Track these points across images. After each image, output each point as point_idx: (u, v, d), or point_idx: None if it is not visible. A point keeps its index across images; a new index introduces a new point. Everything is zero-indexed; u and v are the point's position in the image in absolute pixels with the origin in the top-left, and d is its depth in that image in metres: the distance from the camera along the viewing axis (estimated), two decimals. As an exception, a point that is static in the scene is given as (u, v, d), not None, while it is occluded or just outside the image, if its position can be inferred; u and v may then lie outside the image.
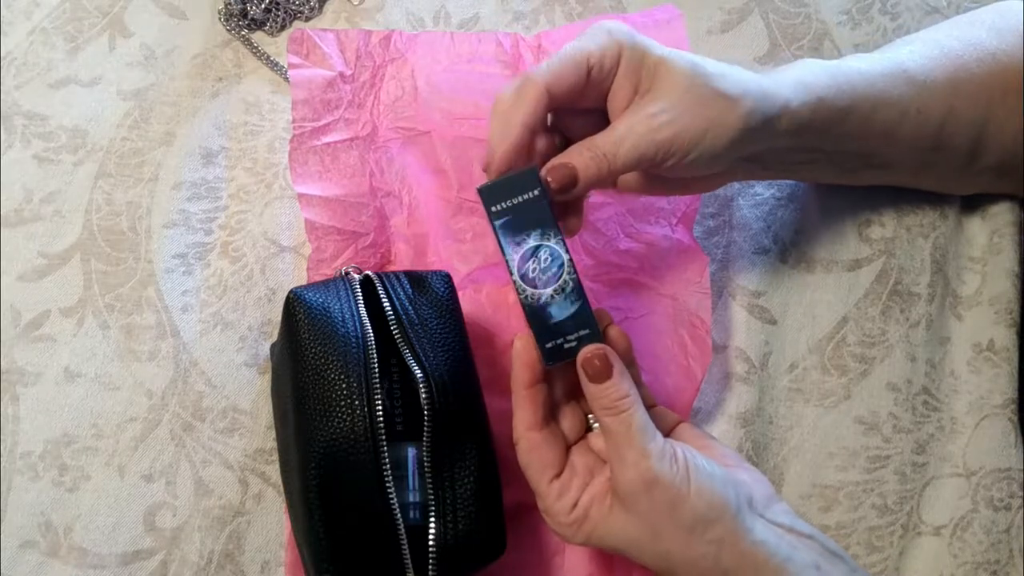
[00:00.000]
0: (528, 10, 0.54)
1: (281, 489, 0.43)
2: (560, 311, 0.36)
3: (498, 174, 0.36)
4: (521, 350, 0.37)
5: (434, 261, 0.48)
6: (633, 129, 0.36)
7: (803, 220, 0.49)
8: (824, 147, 0.42)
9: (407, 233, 0.48)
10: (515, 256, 0.36)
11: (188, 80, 0.53)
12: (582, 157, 0.36)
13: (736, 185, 0.50)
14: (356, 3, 0.55)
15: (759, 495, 0.38)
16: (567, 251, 0.36)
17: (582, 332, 0.36)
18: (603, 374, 0.36)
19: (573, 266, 0.36)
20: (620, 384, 0.35)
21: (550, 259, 0.36)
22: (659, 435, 0.36)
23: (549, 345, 0.36)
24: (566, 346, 0.36)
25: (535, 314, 0.36)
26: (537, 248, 0.36)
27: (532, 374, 0.37)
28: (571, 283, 0.36)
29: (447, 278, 0.41)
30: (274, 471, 0.45)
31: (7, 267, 0.49)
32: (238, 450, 0.45)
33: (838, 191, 0.49)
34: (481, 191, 0.36)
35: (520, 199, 0.36)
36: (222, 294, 0.48)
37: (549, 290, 0.36)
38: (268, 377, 0.46)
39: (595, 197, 0.48)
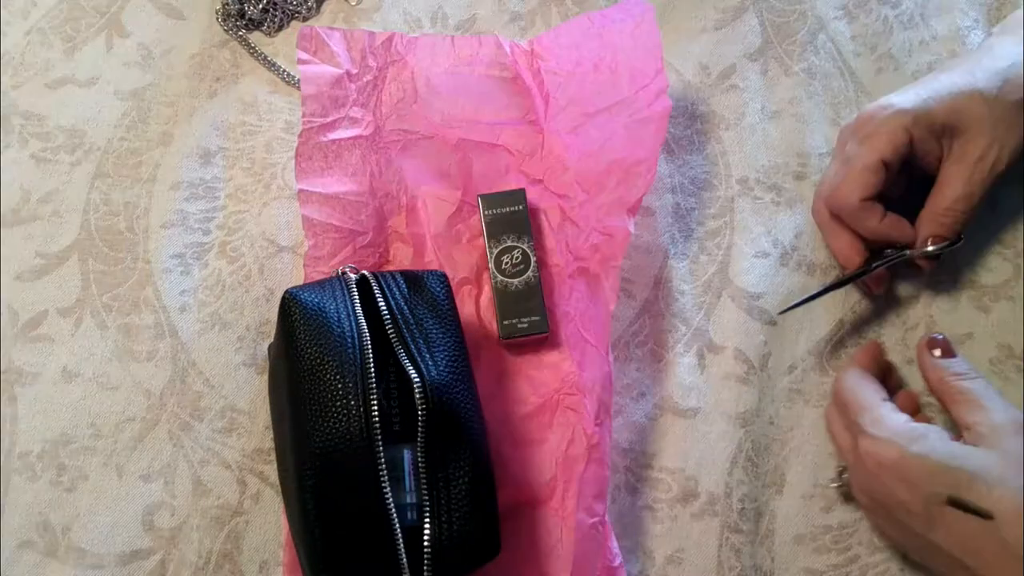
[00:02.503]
0: (525, 11, 0.54)
1: (279, 489, 0.43)
2: (520, 298, 0.46)
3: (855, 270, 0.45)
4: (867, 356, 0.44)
5: (432, 261, 0.48)
6: (973, 179, 0.41)
7: (803, 223, 0.49)
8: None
9: (405, 233, 0.48)
10: (495, 250, 0.46)
11: (186, 80, 0.53)
12: (943, 227, 0.43)
13: (736, 187, 0.50)
14: (353, 3, 0.55)
15: None
16: (534, 255, 0.46)
17: (534, 318, 0.45)
18: (950, 350, 0.42)
19: (538, 268, 0.46)
20: (963, 359, 0.41)
21: (521, 258, 0.46)
22: None
23: (506, 322, 0.45)
24: (519, 325, 0.45)
25: (502, 297, 0.46)
26: (512, 248, 0.46)
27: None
28: (534, 279, 0.46)
29: (443, 278, 0.41)
30: (272, 471, 0.45)
31: (5, 267, 0.49)
32: (236, 450, 0.45)
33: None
34: (481, 198, 0.47)
35: (508, 210, 0.47)
36: (220, 294, 0.48)
37: (516, 280, 0.46)
38: (266, 377, 0.46)
39: (579, 196, 0.47)
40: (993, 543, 0.34)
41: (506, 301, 0.46)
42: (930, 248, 0.43)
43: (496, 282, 0.46)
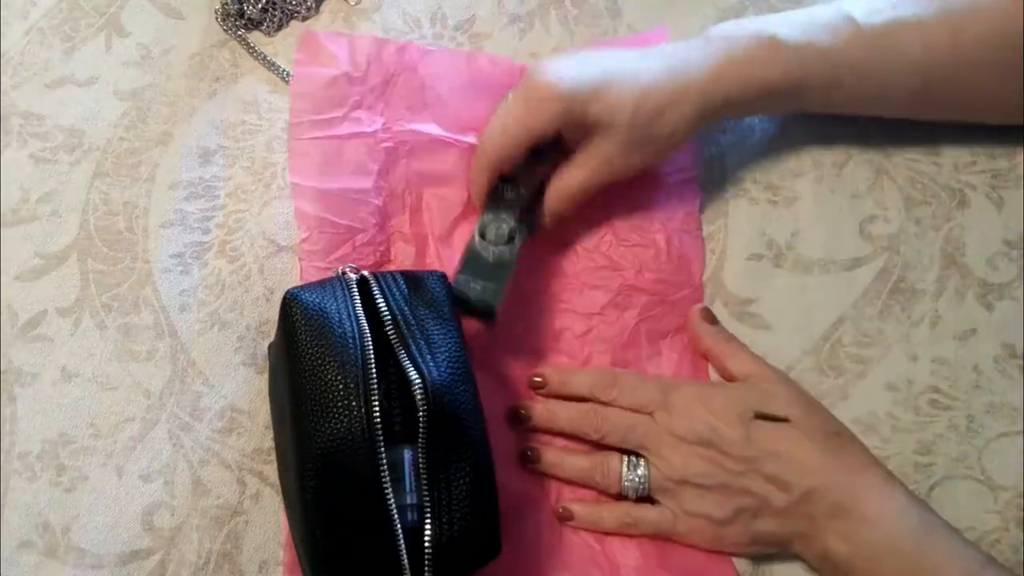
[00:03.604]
0: (524, 12, 0.54)
1: (279, 489, 0.43)
2: (488, 266, 0.43)
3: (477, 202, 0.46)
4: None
5: (434, 263, 0.48)
6: (591, 171, 0.44)
7: (799, 222, 0.49)
8: (777, 112, 0.48)
9: (408, 233, 0.48)
10: (488, 215, 0.44)
11: (185, 80, 0.53)
12: (556, 204, 0.46)
13: (730, 190, 0.50)
14: (352, 3, 0.55)
15: None
16: (521, 240, 0.44)
17: (489, 284, 0.42)
18: (714, 318, 0.46)
19: (518, 253, 0.44)
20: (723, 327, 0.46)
21: (505, 238, 0.44)
22: None
23: (463, 276, 0.43)
24: (471, 284, 0.42)
25: (471, 255, 0.43)
26: (503, 220, 0.44)
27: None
28: (509, 256, 0.43)
29: (443, 278, 0.41)
30: (272, 471, 0.45)
31: (4, 267, 0.49)
32: (236, 450, 0.45)
33: (837, 189, 0.49)
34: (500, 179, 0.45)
35: (512, 195, 0.45)
36: (220, 293, 0.48)
37: (492, 248, 0.43)
38: (266, 377, 0.46)
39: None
40: (792, 437, 0.40)
41: (473, 261, 0.43)
42: (546, 221, 0.46)
43: (474, 241, 0.43)
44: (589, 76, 0.42)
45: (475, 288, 0.42)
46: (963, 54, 0.42)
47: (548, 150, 0.45)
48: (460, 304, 0.42)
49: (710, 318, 0.46)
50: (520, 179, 0.45)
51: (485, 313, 0.42)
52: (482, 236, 0.44)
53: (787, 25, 0.43)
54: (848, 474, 0.39)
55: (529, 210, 0.46)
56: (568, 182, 0.45)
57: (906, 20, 0.43)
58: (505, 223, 0.44)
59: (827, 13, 0.44)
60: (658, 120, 0.43)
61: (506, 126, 0.43)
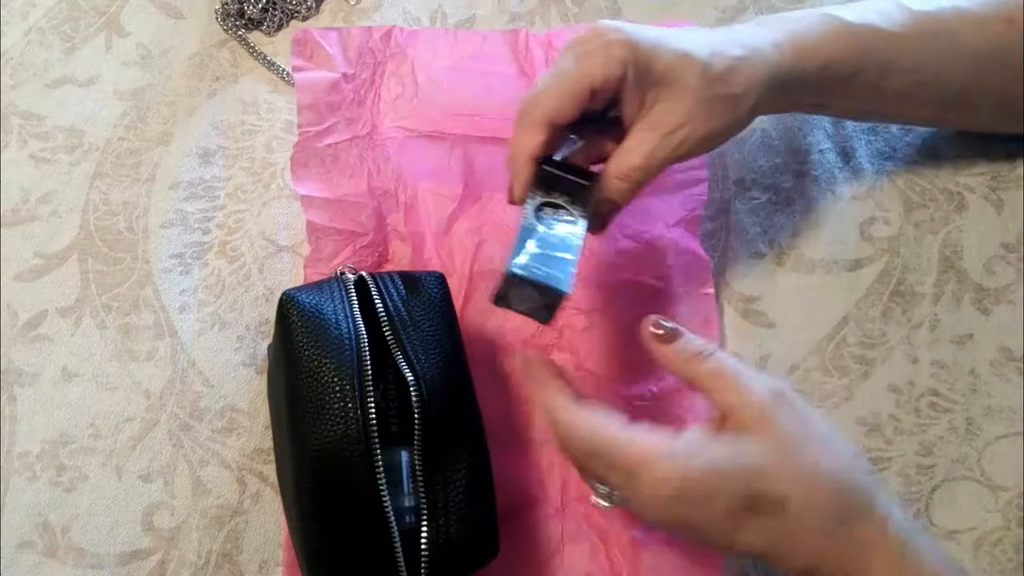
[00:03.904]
0: (524, 11, 0.54)
1: (279, 489, 0.43)
2: (548, 251, 0.34)
3: (519, 201, 0.37)
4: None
5: (431, 259, 0.48)
6: (656, 145, 0.38)
7: (801, 222, 0.49)
8: (828, 104, 0.43)
9: (404, 231, 0.48)
10: (539, 198, 0.36)
11: (185, 80, 0.53)
12: (618, 188, 0.38)
13: (733, 189, 0.49)
14: (353, 3, 0.55)
15: None
16: (585, 231, 0.36)
17: (555, 272, 0.33)
18: (674, 334, 0.35)
19: (584, 243, 0.35)
20: (694, 337, 0.35)
21: (567, 219, 0.36)
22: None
23: (518, 263, 0.33)
24: (535, 271, 0.33)
25: (528, 234, 0.35)
26: (560, 207, 0.36)
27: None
28: (577, 240, 0.35)
29: (441, 279, 0.41)
30: (272, 471, 0.45)
31: (4, 267, 0.49)
32: (236, 450, 0.45)
33: (838, 190, 0.49)
34: (543, 162, 0.37)
35: (572, 178, 0.37)
36: (220, 294, 0.48)
37: (555, 223, 0.35)
38: (266, 377, 0.46)
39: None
40: (790, 525, 0.32)
41: (529, 238, 0.34)
42: (603, 209, 0.38)
43: (527, 221, 0.35)
44: (655, 31, 0.38)
45: (539, 272, 0.33)
46: (1016, 42, 0.41)
47: (599, 132, 0.39)
48: (509, 300, 0.34)
49: (666, 337, 0.35)
50: (574, 151, 0.39)
51: (548, 308, 0.34)
52: (537, 217, 0.36)
53: (844, 9, 0.42)
54: (855, 552, 0.32)
55: (581, 203, 0.37)
56: (631, 157, 0.38)
57: (960, 7, 0.42)
58: (564, 206, 0.36)
59: (880, 3, 0.43)
60: (730, 77, 0.38)
61: (562, 71, 0.37)
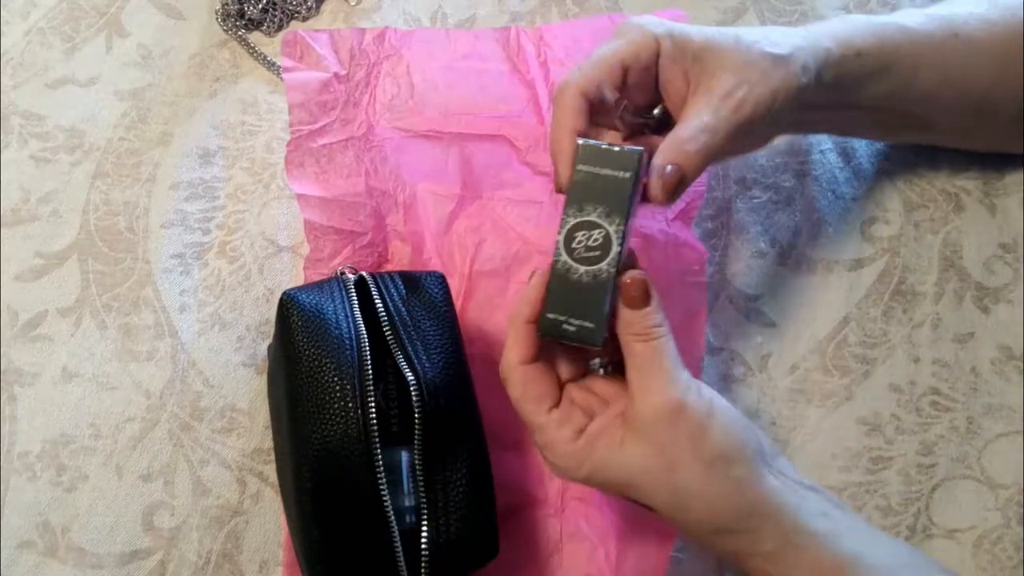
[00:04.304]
0: (525, 11, 0.54)
1: (279, 489, 0.43)
2: (581, 293, 0.34)
3: (566, 184, 0.36)
4: (535, 286, 0.35)
5: (430, 259, 0.48)
6: (719, 114, 0.36)
7: (802, 222, 0.49)
8: (860, 103, 0.42)
9: (403, 231, 0.48)
10: (571, 220, 0.35)
11: (185, 80, 0.53)
12: (685, 156, 0.36)
13: (734, 188, 0.49)
14: (353, 3, 0.55)
15: (766, 447, 0.37)
16: (622, 245, 0.34)
17: (586, 323, 0.34)
18: (641, 301, 0.35)
19: (619, 261, 0.34)
20: (656, 313, 0.35)
21: (600, 241, 0.34)
22: (686, 370, 0.35)
23: (551, 316, 0.35)
24: (564, 326, 0.35)
25: (558, 281, 0.35)
26: (595, 224, 0.34)
27: (535, 313, 0.35)
28: (606, 274, 0.34)
29: (441, 279, 0.41)
30: (272, 471, 0.45)
31: (4, 267, 0.49)
32: (236, 450, 0.45)
33: (839, 189, 0.49)
34: (581, 145, 0.35)
35: (609, 172, 0.35)
36: (220, 294, 0.48)
37: (583, 268, 0.34)
38: (266, 377, 0.46)
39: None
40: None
41: (561, 289, 0.34)
42: (667, 170, 0.35)
43: (558, 262, 0.35)
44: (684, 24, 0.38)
45: (569, 331, 0.34)
46: None
47: (648, 134, 0.38)
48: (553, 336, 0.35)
49: (636, 300, 0.35)
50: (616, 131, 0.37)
51: (589, 345, 0.35)
52: (568, 249, 0.35)
53: (869, 14, 0.42)
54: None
55: (618, 211, 0.35)
56: (697, 119, 0.36)
57: (975, 13, 0.42)
58: (598, 222, 0.34)
59: (899, 11, 0.43)
60: (770, 37, 0.38)
61: (595, 52, 0.37)
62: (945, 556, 0.42)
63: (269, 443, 0.45)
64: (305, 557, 0.36)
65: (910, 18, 0.41)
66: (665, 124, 0.39)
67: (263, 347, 0.47)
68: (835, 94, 0.40)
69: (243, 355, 0.47)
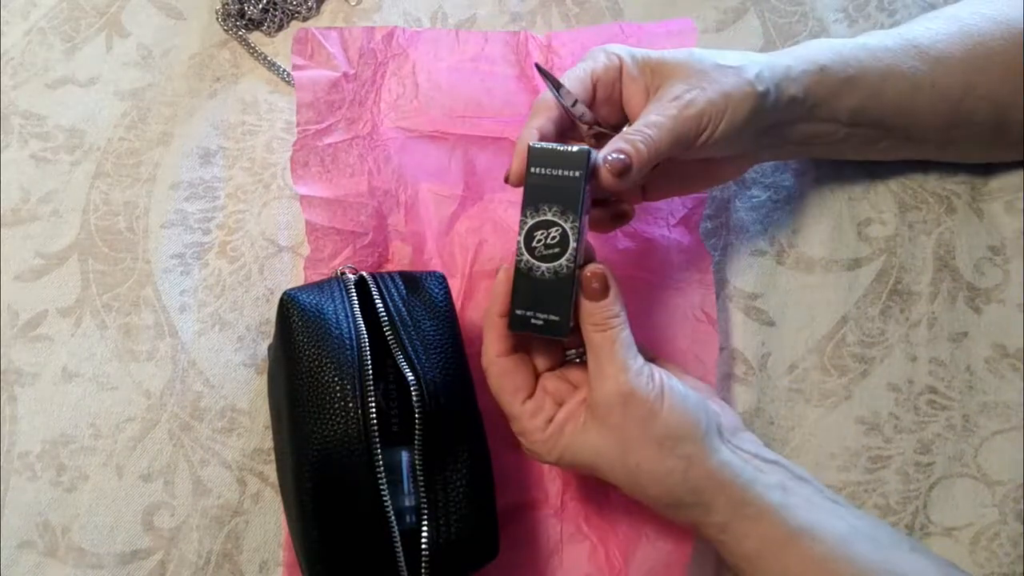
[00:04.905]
0: (525, 11, 0.54)
1: (279, 489, 0.43)
2: (545, 289, 0.37)
3: (516, 182, 0.38)
4: (502, 281, 0.38)
5: (431, 259, 0.48)
6: (665, 112, 0.38)
7: (801, 221, 0.49)
8: (839, 117, 0.43)
9: (405, 231, 0.48)
10: (529, 220, 0.37)
11: (185, 80, 0.53)
12: (630, 144, 0.37)
13: (733, 187, 0.49)
14: (353, 3, 0.55)
15: (727, 423, 0.39)
16: (578, 240, 0.37)
17: (552, 317, 0.37)
18: (600, 293, 0.37)
19: (577, 254, 0.37)
20: (613, 305, 0.37)
21: (558, 239, 0.37)
22: (640, 357, 0.38)
23: (519, 312, 0.37)
24: (532, 320, 0.37)
25: (521, 279, 0.37)
26: (551, 223, 0.37)
27: (505, 307, 0.38)
28: (566, 269, 0.37)
29: (442, 279, 0.41)
30: (272, 471, 0.45)
31: (4, 267, 0.49)
32: (236, 450, 0.45)
33: (836, 189, 0.49)
34: (531, 149, 0.37)
35: (560, 173, 0.37)
36: (220, 294, 0.48)
37: (544, 266, 0.37)
38: (266, 377, 0.46)
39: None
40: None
41: (524, 287, 0.37)
42: (612, 158, 0.37)
43: (520, 261, 0.37)
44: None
45: (537, 324, 0.37)
46: (1009, 51, 0.42)
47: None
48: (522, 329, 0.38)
49: (595, 291, 0.37)
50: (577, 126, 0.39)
51: (555, 332, 0.38)
52: (529, 249, 0.37)
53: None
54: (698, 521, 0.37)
55: (572, 209, 0.37)
56: (635, 125, 0.38)
57: (935, 29, 0.43)
58: (554, 220, 0.36)
59: (861, 38, 0.44)
60: (724, 54, 0.40)
61: (570, 72, 0.40)
62: (943, 554, 0.42)
63: (269, 443, 0.45)
64: (305, 557, 0.36)
65: (869, 38, 0.44)
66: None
67: (263, 347, 0.47)
68: (806, 109, 0.42)
69: (243, 355, 0.47)
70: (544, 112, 0.40)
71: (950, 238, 0.47)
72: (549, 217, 0.37)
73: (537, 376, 0.40)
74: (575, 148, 0.36)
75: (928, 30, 0.43)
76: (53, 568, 0.43)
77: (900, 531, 0.41)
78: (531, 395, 0.39)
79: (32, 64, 0.53)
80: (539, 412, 0.38)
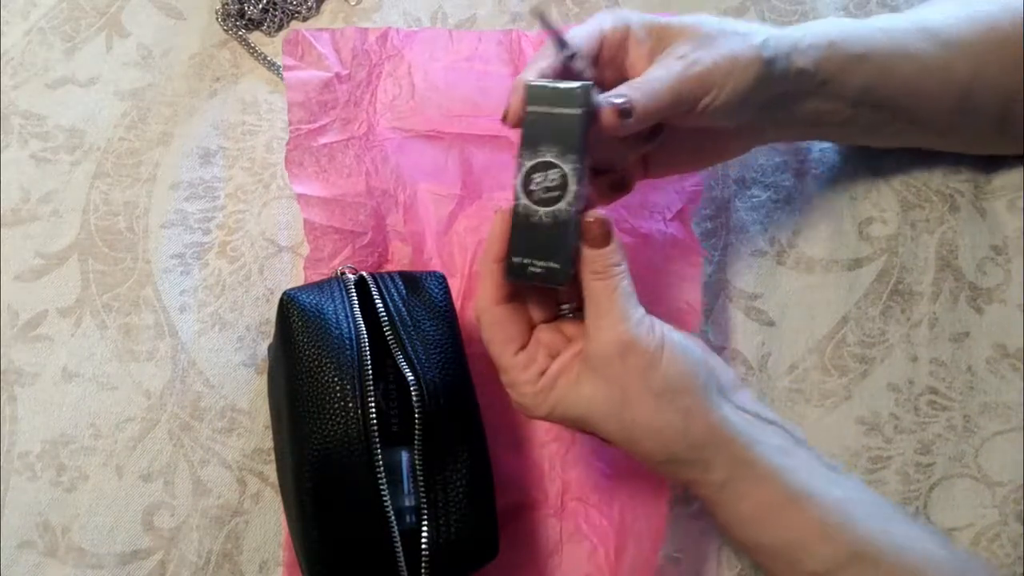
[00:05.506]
0: (525, 11, 0.54)
1: (279, 489, 0.43)
2: (543, 234, 0.34)
3: (514, 120, 0.36)
4: (499, 223, 0.36)
5: (431, 259, 0.48)
6: (669, 69, 0.37)
7: (801, 221, 0.49)
8: (846, 94, 0.42)
9: (404, 231, 0.48)
10: (527, 162, 0.34)
11: (185, 80, 0.53)
12: (634, 89, 0.36)
13: (733, 187, 0.49)
14: (353, 3, 0.55)
15: (726, 380, 0.37)
16: (579, 183, 0.34)
17: (551, 264, 0.34)
18: (602, 240, 0.35)
19: (577, 198, 0.34)
20: (615, 253, 0.36)
21: (558, 181, 0.34)
22: (640, 307, 0.36)
23: (516, 260, 0.35)
24: (529, 268, 0.35)
25: (519, 225, 0.35)
26: (550, 164, 0.34)
27: (501, 252, 0.36)
28: (566, 213, 0.34)
29: (442, 279, 0.41)
30: (272, 471, 0.45)
31: (4, 267, 0.49)
32: (236, 450, 0.45)
33: (838, 189, 0.49)
34: (529, 87, 0.35)
35: (560, 111, 0.34)
36: (220, 294, 0.48)
37: (543, 210, 0.34)
38: (266, 377, 0.46)
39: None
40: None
41: (523, 232, 0.34)
42: (616, 100, 0.35)
43: (518, 205, 0.34)
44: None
45: (536, 272, 0.35)
46: (1015, 41, 0.42)
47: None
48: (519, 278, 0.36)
49: (598, 239, 0.35)
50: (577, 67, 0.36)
51: (558, 278, 0.35)
52: (527, 192, 0.34)
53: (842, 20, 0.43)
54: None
55: (573, 148, 0.34)
56: (639, 78, 0.37)
57: (949, 13, 0.43)
58: (553, 162, 0.34)
59: (873, 19, 0.44)
60: (730, 22, 0.40)
61: (578, 28, 0.39)
62: (944, 555, 0.42)
63: (269, 443, 0.45)
64: (305, 557, 0.36)
65: (881, 20, 0.43)
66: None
67: (263, 347, 0.47)
68: (815, 85, 0.41)
69: (243, 355, 0.47)
70: (546, 59, 0.38)
71: (953, 237, 0.47)
72: (548, 158, 0.34)
73: (532, 327, 0.38)
74: (576, 85, 0.34)
75: (940, 13, 0.43)
76: (53, 568, 0.43)
77: (895, 504, 0.40)
78: (523, 346, 0.37)
79: (32, 64, 0.53)
80: (531, 364, 0.37)
